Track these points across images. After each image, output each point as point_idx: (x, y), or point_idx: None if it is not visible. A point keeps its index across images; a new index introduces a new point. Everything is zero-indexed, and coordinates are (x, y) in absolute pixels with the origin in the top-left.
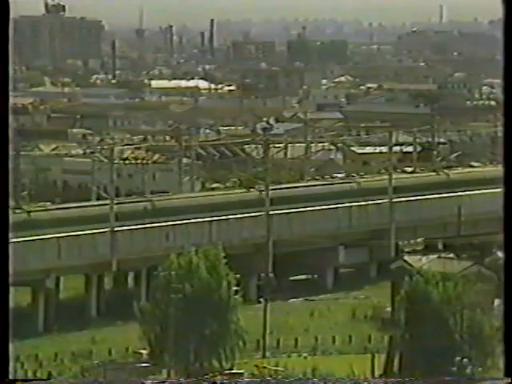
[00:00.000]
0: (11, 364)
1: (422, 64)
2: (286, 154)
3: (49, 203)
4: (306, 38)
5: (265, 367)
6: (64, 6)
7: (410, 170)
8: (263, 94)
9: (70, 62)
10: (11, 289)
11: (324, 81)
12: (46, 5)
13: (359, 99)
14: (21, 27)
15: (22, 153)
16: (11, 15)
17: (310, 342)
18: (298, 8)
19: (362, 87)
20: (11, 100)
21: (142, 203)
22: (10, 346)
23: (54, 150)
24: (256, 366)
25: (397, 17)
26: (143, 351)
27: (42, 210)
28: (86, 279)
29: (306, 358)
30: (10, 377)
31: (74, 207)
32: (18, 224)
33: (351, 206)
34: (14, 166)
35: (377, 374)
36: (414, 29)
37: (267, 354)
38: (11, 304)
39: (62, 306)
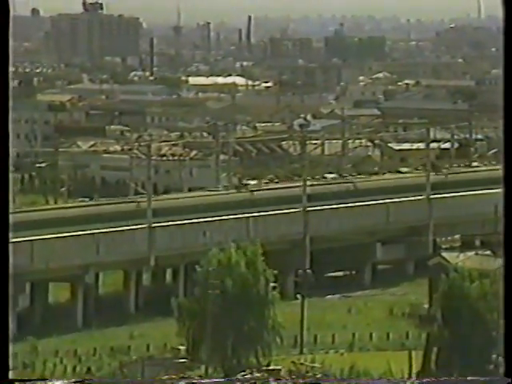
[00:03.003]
0: (50, 359)
1: (460, 60)
2: (323, 150)
3: (87, 199)
4: (344, 35)
5: (302, 364)
6: (102, 4)
7: (447, 166)
8: (300, 90)
9: (108, 59)
10: (50, 284)
11: (361, 77)
12: (84, 3)
13: (397, 96)
14: (59, 25)
15: (60, 149)
16: (51, 13)
17: (348, 339)
18: (335, 4)
19: (399, 83)
20: (50, 97)
21: (179, 199)
22: (49, 340)
23: (92, 146)
24: (293, 362)
25: (435, 13)
26: (181, 347)
27: (81, 206)
28: (124, 275)
29: (342, 354)
30: (47, 372)
31: (112, 203)
32: (56, 220)
33: (389, 203)
34: (53, 162)
35: (414, 370)
36: (452, 25)
37: (304, 350)
38: (50, 299)
39: (100, 302)
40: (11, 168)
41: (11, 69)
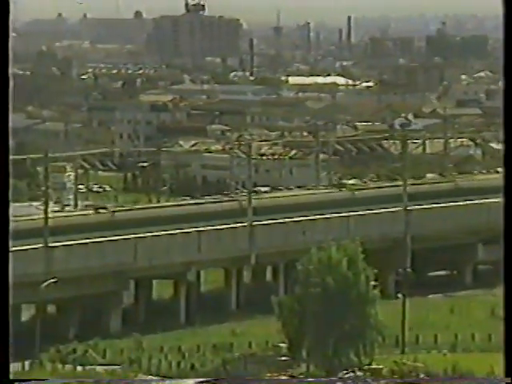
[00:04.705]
0: (155, 355)
1: None
2: (424, 149)
3: (189, 198)
4: (446, 33)
5: (404, 363)
6: (204, 5)
7: None
8: (401, 89)
9: (209, 60)
10: (154, 282)
11: (464, 76)
12: (187, 4)
13: (499, 95)
14: (162, 27)
15: (162, 149)
16: (152, 15)
17: (450, 339)
18: (437, 3)
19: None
20: (152, 97)
21: (279, 198)
22: (154, 337)
23: (193, 146)
24: (395, 361)
25: None
26: (282, 345)
27: (183, 205)
28: (225, 273)
29: (445, 354)
30: (153, 368)
31: (214, 202)
32: (159, 218)
33: (491, 202)
34: (155, 161)
35: None
36: None
37: (406, 349)
38: (154, 296)
39: (202, 299)
40: (114, 167)
41: (114, 70)
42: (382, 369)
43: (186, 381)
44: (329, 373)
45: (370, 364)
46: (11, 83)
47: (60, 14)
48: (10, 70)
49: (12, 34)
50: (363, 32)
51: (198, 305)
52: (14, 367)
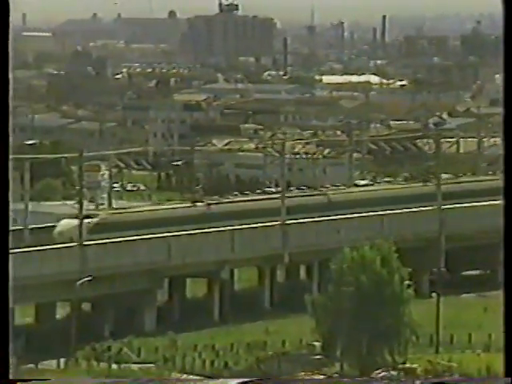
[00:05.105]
0: (189, 353)
1: None
2: (458, 148)
3: (222, 196)
4: (481, 32)
5: (438, 363)
6: (237, 5)
7: None
8: (436, 88)
9: (243, 59)
10: (188, 280)
11: (498, 75)
12: (220, 4)
13: None
14: (196, 26)
15: (196, 148)
16: (186, 15)
17: (484, 339)
18: (472, 2)
19: None
20: (186, 97)
21: (312, 197)
22: (188, 335)
23: (226, 144)
24: (429, 361)
25: None
26: (316, 343)
27: (216, 203)
28: (258, 271)
29: (479, 354)
30: (188, 366)
31: (247, 200)
32: (194, 217)
33: None
34: (189, 160)
35: None
36: None
37: (440, 349)
38: (188, 294)
39: (236, 298)
40: (148, 166)
41: (148, 70)
42: (416, 368)
43: (228, 381)
44: (363, 372)
45: (404, 363)
46: (46, 83)
47: (95, 14)
48: (46, 70)
49: (47, 34)
50: (398, 31)
51: (232, 303)
52: (50, 365)
